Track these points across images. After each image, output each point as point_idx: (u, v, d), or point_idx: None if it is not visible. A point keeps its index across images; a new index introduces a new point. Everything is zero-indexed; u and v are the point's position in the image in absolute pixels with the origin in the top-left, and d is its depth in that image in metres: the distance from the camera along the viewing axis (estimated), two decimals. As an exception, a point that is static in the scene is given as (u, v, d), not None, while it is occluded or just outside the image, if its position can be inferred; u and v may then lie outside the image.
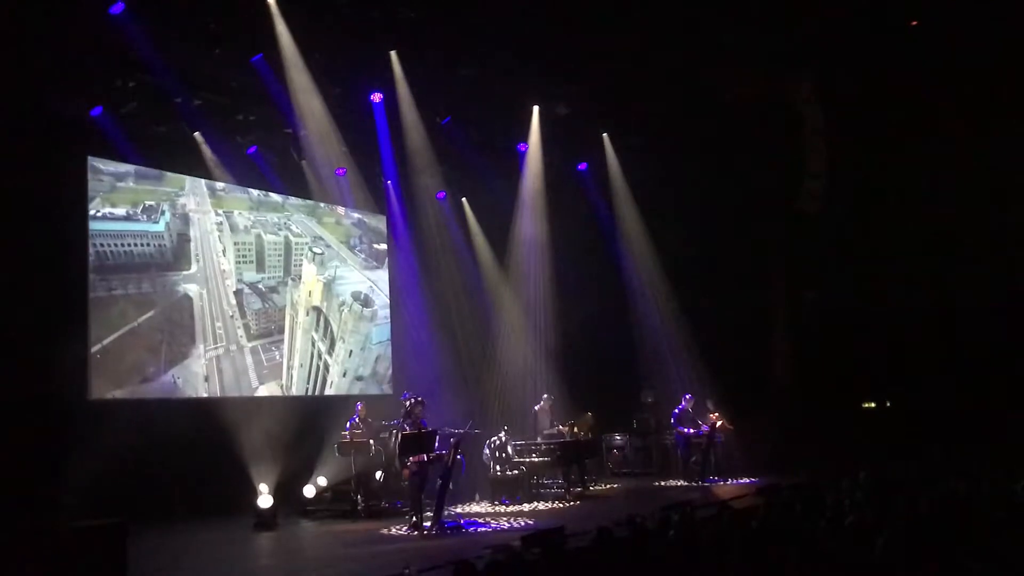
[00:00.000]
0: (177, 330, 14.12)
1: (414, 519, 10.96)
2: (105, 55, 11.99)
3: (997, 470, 9.41)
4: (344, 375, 16.71)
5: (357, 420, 13.32)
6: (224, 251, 15.13)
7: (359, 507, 12.71)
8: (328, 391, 16.25)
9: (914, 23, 15.15)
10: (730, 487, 14.24)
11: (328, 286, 16.76)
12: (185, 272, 14.43)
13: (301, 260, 16.29)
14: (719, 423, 15.39)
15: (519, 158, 17.68)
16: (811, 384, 17.40)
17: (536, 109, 16.92)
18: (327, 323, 16.58)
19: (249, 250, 15.59)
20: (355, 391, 16.60)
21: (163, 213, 14.20)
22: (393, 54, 14.49)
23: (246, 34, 12.88)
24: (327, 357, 16.50)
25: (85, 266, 12.85)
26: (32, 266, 11.55)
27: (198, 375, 14.24)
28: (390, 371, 17.44)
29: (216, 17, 12.31)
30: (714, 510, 8.02)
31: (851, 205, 17.25)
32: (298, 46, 13.24)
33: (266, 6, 12.72)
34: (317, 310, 16.48)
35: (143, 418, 12.53)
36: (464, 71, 14.74)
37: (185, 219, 14.54)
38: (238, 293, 15.20)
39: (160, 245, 14.12)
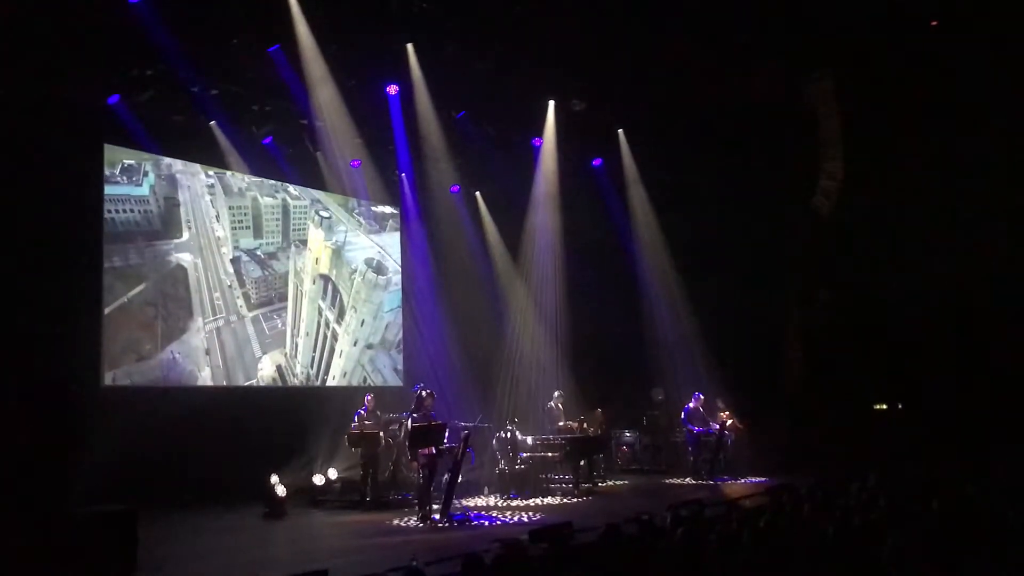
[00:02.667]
0: (172, 304, 13.48)
1: (423, 511, 11.00)
2: (123, 44, 12.02)
3: (1008, 473, 9.37)
4: (355, 344, 16.40)
5: (366, 412, 13.36)
6: (218, 216, 14.39)
7: (368, 498, 12.76)
8: (336, 360, 15.95)
9: (934, 23, 15.05)
10: (739, 486, 14.20)
11: (337, 253, 16.32)
12: (176, 240, 13.64)
13: (304, 225, 15.75)
14: (729, 422, 15.35)
15: (534, 153, 17.66)
16: (823, 385, 17.33)
17: (552, 104, 16.91)
18: (336, 291, 16.15)
19: (245, 215, 14.86)
20: (365, 360, 16.46)
21: (146, 174, 13.39)
22: (410, 47, 14.49)
23: (263, 24, 12.90)
24: (335, 326, 16.09)
25: (100, 263, 12.67)
26: (44, 258, 11.57)
27: (198, 349, 13.75)
28: (400, 336, 17.24)
29: (234, 7, 12.33)
30: (723, 509, 8.01)
31: (867, 205, 17.15)
32: (315, 37, 13.27)
33: (284, -3, 12.76)
34: (325, 278, 16.04)
35: (153, 405, 12.58)
36: (480, 65, 14.72)
37: (172, 181, 13.76)
38: (235, 261, 14.59)
39: (146, 211, 13.27)
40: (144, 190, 13.37)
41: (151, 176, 13.50)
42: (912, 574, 4.64)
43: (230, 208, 14.66)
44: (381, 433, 13.09)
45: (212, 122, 14.05)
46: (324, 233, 16.18)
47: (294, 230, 15.69)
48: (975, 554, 4.85)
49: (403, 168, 16.88)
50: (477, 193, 18.31)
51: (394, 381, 17.09)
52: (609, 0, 13.80)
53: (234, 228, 14.69)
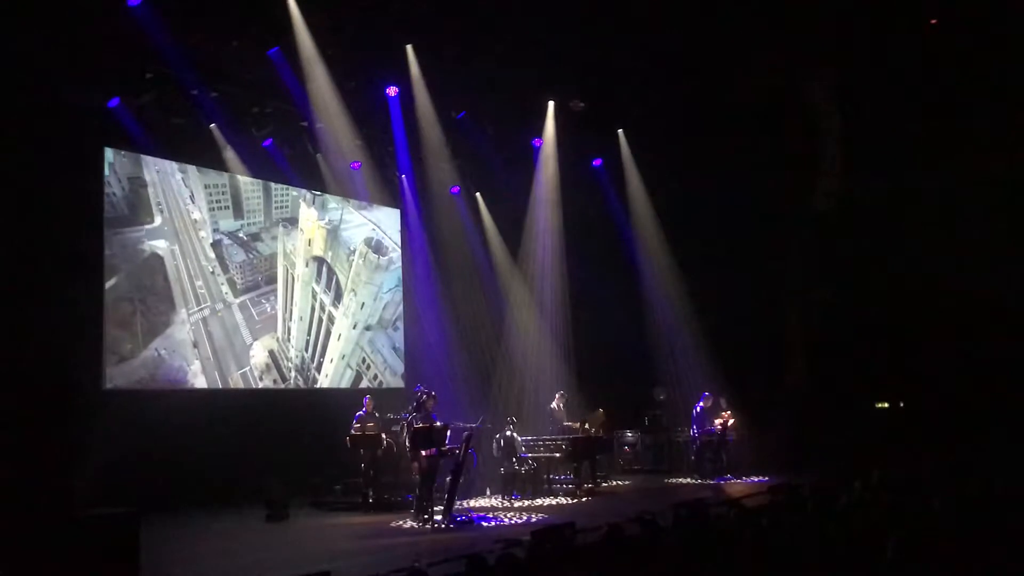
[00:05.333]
0: (151, 297, 12.61)
1: (425, 513, 10.99)
2: (123, 47, 12.03)
3: (1010, 471, 9.36)
4: (354, 327, 15.94)
5: (365, 414, 13.35)
6: (192, 197, 13.30)
7: (370, 500, 12.75)
8: (333, 343, 15.54)
9: (933, 22, 15.06)
10: (742, 485, 14.21)
11: (333, 233, 15.68)
12: (148, 226, 12.61)
13: (287, 202, 14.95)
14: (731, 421, 15.37)
15: (534, 153, 17.68)
16: (824, 383, 17.33)
17: (551, 104, 16.92)
18: (331, 273, 15.54)
19: (223, 194, 13.79)
20: (364, 342, 16.18)
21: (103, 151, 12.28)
22: (409, 48, 14.52)
23: (263, 27, 12.93)
24: (331, 309, 15.49)
25: (101, 268, 12.43)
26: (43, 262, 11.51)
27: (185, 343, 12.97)
28: (398, 311, 16.90)
29: (233, 9, 12.34)
30: (725, 508, 8.00)
31: (867, 204, 17.16)
32: (315, 39, 13.29)
33: (283, -1, 12.79)
34: (319, 260, 15.37)
35: (156, 408, 12.57)
36: (480, 66, 14.74)
37: (135, 159, 12.69)
38: (216, 245, 13.67)
39: (108, 194, 12.20)
40: (103, 170, 12.31)
41: (108, 154, 12.39)
42: (913, 574, 4.64)
43: (205, 187, 13.62)
44: (383, 435, 13.08)
45: (212, 124, 14.03)
46: (317, 212, 15.50)
47: (277, 208, 14.76)
48: (975, 554, 4.85)
49: (403, 169, 16.88)
50: (477, 194, 18.31)
51: (393, 361, 16.90)
52: (608, 1, 13.82)
53: (212, 209, 13.68)
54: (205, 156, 14.15)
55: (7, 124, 11.03)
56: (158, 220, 12.90)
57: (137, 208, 12.70)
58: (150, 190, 12.87)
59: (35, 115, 11.36)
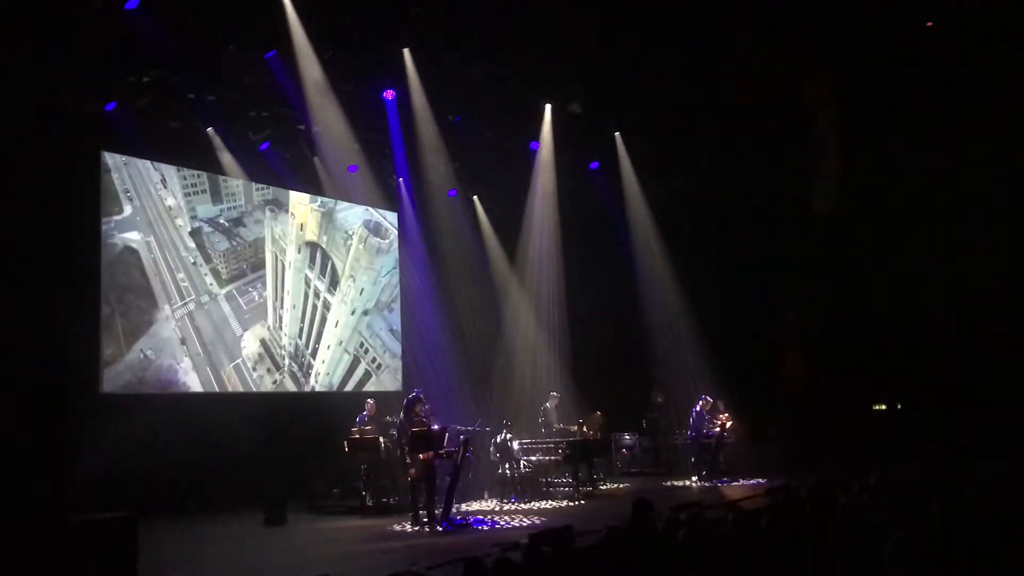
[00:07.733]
0: (128, 295, 11.87)
1: (422, 516, 10.97)
2: (120, 50, 12.01)
3: (1008, 472, 9.36)
4: (352, 313, 15.54)
5: (367, 417, 13.32)
6: (164, 181, 12.40)
7: (368, 503, 12.73)
8: (331, 329, 15.23)
9: (929, 24, 15.08)
10: (740, 488, 14.19)
11: (328, 216, 15.13)
12: (117, 217, 11.75)
13: (268, 184, 14.30)
14: (729, 424, 15.37)
15: (531, 156, 17.68)
16: (822, 385, 17.32)
17: (548, 107, 16.92)
18: (326, 259, 15.01)
19: (199, 176, 12.99)
20: (363, 326, 15.99)
21: None
22: (406, 51, 14.52)
23: (260, 30, 12.92)
24: (327, 296, 14.94)
25: (98, 270, 12.30)
26: (41, 265, 11.44)
27: (171, 340, 12.33)
28: (396, 292, 16.64)
29: (230, 13, 12.34)
30: (723, 510, 7.99)
31: (864, 205, 17.16)
32: (312, 43, 13.28)
33: (280, 3, 12.78)
34: (312, 245, 14.82)
35: (153, 412, 12.54)
36: (477, 69, 14.74)
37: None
38: (196, 233, 12.82)
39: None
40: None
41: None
42: (912, 574, 4.63)
43: (178, 170, 12.76)
44: (381, 438, 13.06)
45: (209, 128, 14.01)
46: (309, 195, 15.09)
47: (258, 190, 14.16)
48: (975, 554, 4.84)
49: (401, 172, 16.88)
50: (475, 197, 18.31)
51: (391, 343, 16.81)
52: (605, 3, 13.83)
53: (187, 194, 12.78)
54: (201, 160, 14.14)
55: (3, 127, 10.99)
56: (128, 210, 12.01)
57: (104, 197, 11.87)
58: (114, 175, 11.96)
59: (31, 119, 11.32)
